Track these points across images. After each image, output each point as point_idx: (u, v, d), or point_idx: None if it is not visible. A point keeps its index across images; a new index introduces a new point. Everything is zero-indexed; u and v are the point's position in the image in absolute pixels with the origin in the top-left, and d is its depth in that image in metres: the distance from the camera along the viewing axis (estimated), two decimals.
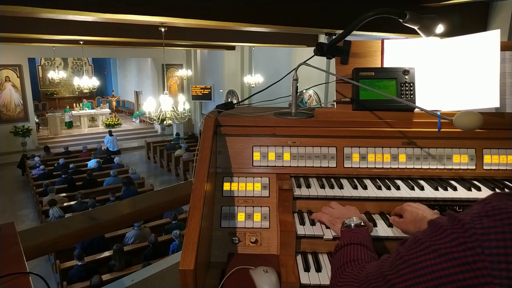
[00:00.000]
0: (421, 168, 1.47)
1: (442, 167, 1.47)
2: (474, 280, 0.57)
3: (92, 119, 18.12)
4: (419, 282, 0.64)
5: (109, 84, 23.48)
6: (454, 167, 1.47)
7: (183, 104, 7.89)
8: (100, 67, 22.69)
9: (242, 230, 1.33)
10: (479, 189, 1.37)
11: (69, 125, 17.75)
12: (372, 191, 1.37)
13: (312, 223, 1.29)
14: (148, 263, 4.95)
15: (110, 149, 14.59)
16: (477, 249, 0.57)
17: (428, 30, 1.40)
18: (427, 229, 0.68)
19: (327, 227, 1.27)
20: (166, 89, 7.63)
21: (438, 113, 1.42)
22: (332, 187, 1.39)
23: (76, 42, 8.36)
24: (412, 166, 1.47)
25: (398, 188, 1.38)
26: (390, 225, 1.27)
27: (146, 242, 6.22)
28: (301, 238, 1.25)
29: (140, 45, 10.01)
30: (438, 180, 1.44)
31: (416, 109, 1.43)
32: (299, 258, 1.23)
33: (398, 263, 0.69)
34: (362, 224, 1.11)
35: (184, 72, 15.36)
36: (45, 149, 13.31)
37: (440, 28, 1.42)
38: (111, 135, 15.13)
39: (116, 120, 18.34)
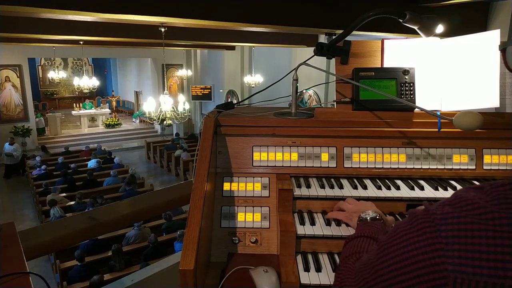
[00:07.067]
0: (421, 168, 1.47)
1: (442, 167, 1.47)
2: (432, 260, 0.61)
3: (92, 119, 18.08)
4: (390, 264, 0.70)
5: (109, 84, 23.46)
6: (454, 167, 1.47)
7: (183, 104, 7.88)
8: (100, 67, 22.67)
9: (242, 230, 1.33)
10: None
11: (42, 131, 15.89)
12: (372, 191, 1.37)
13: (312, 223, 1.29)
14: (147, 263, 4.95)
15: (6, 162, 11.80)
16: (435, 232, 0.62)
17: (428, 30, 1.40)
18: (406, 218, 0.73)
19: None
20: (166, 89, 7.62)
21: (438, 113, 1.42)
22: (332, 187, 1.39)
23: (76, 42, 8.36)
24: (412, 166, 1.47)
25: (398, 188, 1.38)
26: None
27: (146, 242, 6.22)
28: (301, 238, 1.26)
29: (140, 45, 10.01)
30: (438, 180, 1.44)
31: (416, 109, 1.43)
32: (299, 258, 1.23)
33: (379, 251, 0.75)
34: (377, 217, 1.13)
35: (184, 72, 15.34)
36: (42, 149, 13.18)
37: (440, 28, 1.42)
38: (11, 144, 12.02)
39: (116, 120, 18.34)
